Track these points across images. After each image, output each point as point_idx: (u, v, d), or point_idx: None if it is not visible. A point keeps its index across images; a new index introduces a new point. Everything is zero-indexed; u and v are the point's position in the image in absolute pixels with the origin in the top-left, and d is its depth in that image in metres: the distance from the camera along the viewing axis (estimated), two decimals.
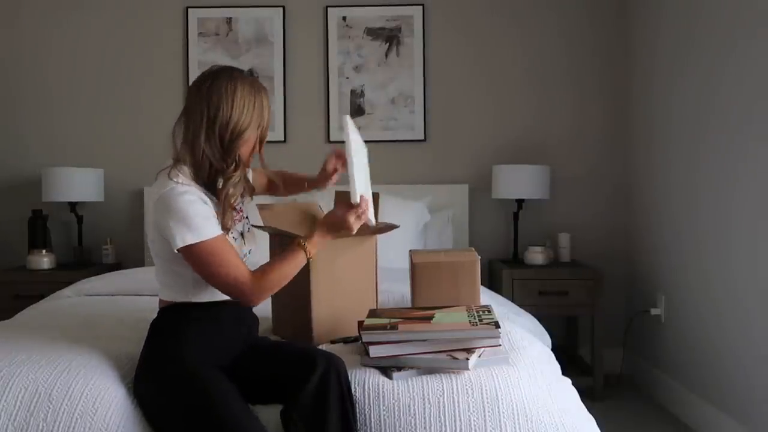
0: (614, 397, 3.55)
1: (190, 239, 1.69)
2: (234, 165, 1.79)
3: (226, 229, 1.78)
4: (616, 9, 3.96)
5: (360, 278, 2.13)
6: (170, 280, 1.82)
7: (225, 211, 1.78)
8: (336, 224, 1.84)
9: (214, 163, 1.78)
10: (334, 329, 2.06)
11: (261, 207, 2.08)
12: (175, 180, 1.73)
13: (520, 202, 3.79)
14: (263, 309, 2.07)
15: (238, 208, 1.88)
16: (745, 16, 2.73)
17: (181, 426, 1.67)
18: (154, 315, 1.88)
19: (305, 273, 2.01)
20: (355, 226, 1.83)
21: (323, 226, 1.85)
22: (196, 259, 1.71)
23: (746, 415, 2.71)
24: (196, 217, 1.70)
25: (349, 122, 1.89)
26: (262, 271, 1.77)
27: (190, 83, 1.83)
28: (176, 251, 1.72)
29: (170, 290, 1.83)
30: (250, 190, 1.99)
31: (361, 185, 1.87)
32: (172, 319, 1.80)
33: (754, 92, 2.66)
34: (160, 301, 1.88)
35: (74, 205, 3.76)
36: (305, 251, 1.81)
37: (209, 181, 1.81)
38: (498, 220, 3.98)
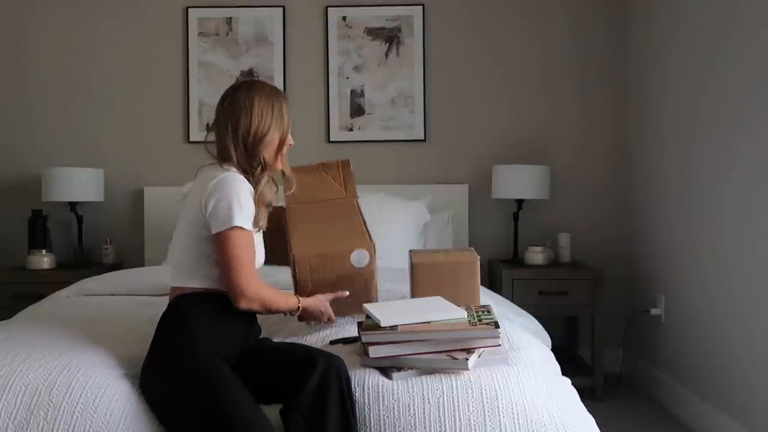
0: (614, 397, 3.55)
1: (238, 222, 1.82)
2: (260, 167, 1.96)
3: (257, 226, 1.92)
4: (618, 7, 3.96)
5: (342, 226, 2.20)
6: (199, 267, 1.87)
7: (259, 208, 1.93)
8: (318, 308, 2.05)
9: (243, 165, 1.94)
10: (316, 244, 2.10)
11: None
12: (230, 170, 1.90)
13: (520, 202, 3.79)
14: None
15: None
16: (749, 14, 2.73)
17: (188, 417, 1.68)
18: (154, 314, 1.89)
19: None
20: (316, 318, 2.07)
21: (314, 301, 2.03)
22: (229, 242, 1.82)
23: (746, 415, 2.71)
24: (248, 207, 1.86)
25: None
26: (265, 285, 1.91)
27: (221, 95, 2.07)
28: (215, 231, 1.82)
29: (195, 277, 1.88)
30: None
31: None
32: (185, 309, 1.84)
33: (755, 95, 2.66)
34: (174, 289, 1.91)
35: (74, 205, 3.76)
36: (298, 301, 1.99)
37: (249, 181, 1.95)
38: (498, 220, 3.98)
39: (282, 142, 2.01)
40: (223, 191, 1.84)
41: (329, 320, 2.07)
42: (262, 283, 1.90)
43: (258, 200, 1.92)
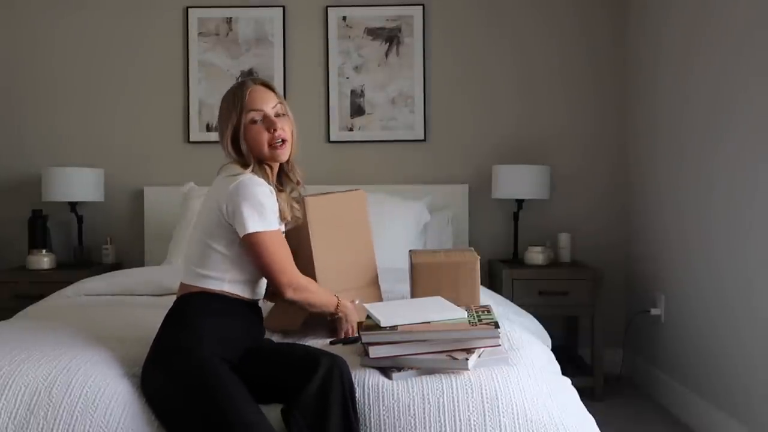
0: (614, 397, 3.55)
1: (261, 227, 1.83)
2: (249, 160, 1.92)
3: (284, 219, 1.96)
4: (616, 9, 3.96)
5: (356, 233, 2.24)
6: (211, 267, 1.87)
7: (281, 201, 1.95)
8: (354, 314, 2.07)
9: (240, 165, 1.93)
10: (337, 278, 2.13)
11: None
12: (248, 172, 1.90)
13: (520, 202, 3.79)
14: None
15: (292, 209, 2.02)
16: (745, 14, 2.73)
17: (186, 416, 1.67)
18: (154, 314, 1.89)
19: (306, 237, 2.10)
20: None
21: (352, 307, 2.06)
22: (261, 247, 1.84)
23: (746, 414, 2.71)
24: (269, 208, 1.86)
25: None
26: (309, 279, 1.96)
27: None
28: (242, 236, 1.83)
29: (205, 276, 1.87)
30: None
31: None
32: (191, 308, 1.84)
33: (756, 93, 2.66)
34: (183, 286, 1.91)
35: (74, 205, 3.77)
36: (338, 301, 2.01)
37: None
38: (498, 220, 3.98)
39: (239, 128, 1.91)
40: (241, 197, 1.83)
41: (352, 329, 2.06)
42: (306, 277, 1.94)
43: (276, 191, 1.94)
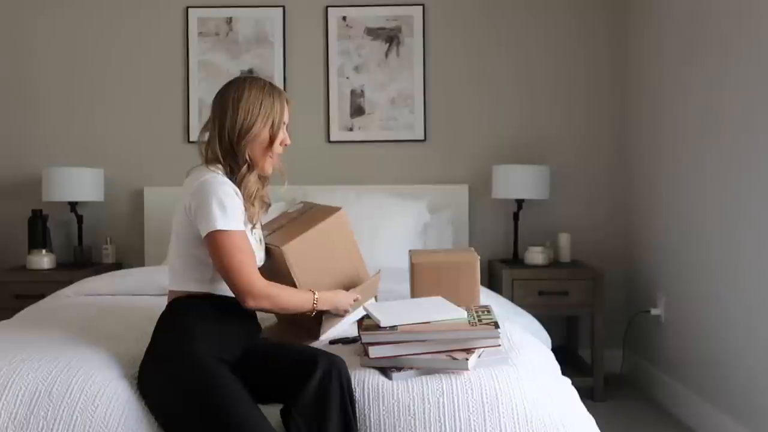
0: (614, 397, 3.55)
1: (222, 225, 1.78)
2: (246, 165, 1.90)
3: (252, 222, 1.90)
4: (618, 8, 3.96)
5: (343, 259, 2.13)
6: (191, 269, 1.86)
7: (251, 206, 1.89)
8: (338, 301, 2.01)
9: (229, 163, 1.91)
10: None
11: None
12: (214, 171, 1.86)
13: (520, 202, 3.79)
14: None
15: (258, 216, 1.96)
16: (748, 17, 2.73)
17: (185, 419, 1.67)
18: (155, 314, 1.89)
19: (291, 285, 1.99)
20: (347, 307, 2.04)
21: (331, 294, 2.00)
22: (220, 246, 1.78)
23: (746, 415, 2.71)
24: (232, 207, 1.80)
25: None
26: (273, 284, 1.86)
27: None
28: (203, 235, 1.79)
29: (187, 280, 1.86)
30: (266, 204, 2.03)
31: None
32: (182, 312, 1.83)
33: (757, 93, 2.66)
34: (171, 292, 1.90)
35: (74, 204, 3.77)
36: (314, 298, 1.93)
37: (235, 181, 1.91)
38: (498, 220, 3.98)
39: (272, 139, 1.93)
40: (204, 194, 1.79)
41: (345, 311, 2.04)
42: (270, 282, 1.85)
43: (246, 199, 1.88)
